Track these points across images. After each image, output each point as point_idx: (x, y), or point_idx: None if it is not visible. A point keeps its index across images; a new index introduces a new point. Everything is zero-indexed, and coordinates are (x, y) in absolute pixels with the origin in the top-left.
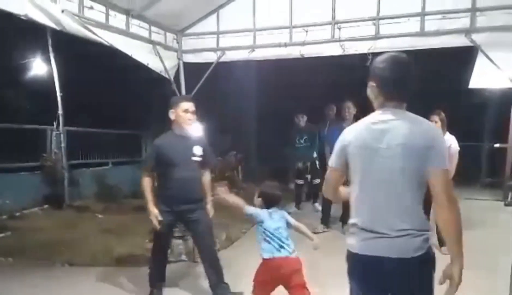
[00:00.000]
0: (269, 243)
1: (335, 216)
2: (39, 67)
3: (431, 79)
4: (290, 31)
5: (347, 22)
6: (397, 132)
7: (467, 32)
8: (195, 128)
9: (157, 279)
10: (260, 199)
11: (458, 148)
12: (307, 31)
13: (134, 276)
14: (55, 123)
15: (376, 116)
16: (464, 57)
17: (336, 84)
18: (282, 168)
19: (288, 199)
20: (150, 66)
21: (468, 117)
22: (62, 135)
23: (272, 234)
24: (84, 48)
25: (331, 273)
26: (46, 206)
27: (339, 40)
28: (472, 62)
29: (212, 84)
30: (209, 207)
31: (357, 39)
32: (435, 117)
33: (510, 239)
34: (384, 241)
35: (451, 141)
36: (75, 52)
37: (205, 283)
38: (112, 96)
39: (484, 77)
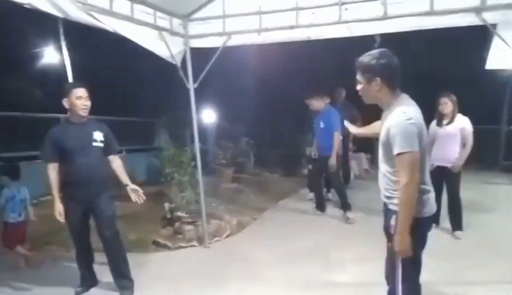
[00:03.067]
0: (14, 211)
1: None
2: (51, 56)
3: (446, 61)
4: (297, 13)
5: (354, 2)
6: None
7: (477, 10)
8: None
9: (86, 278)
10: (6, 176)
11: (472, 129)
12: (313, 13)
13: (143, 261)
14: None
15: (410, 101)
16: (480, 37)
17: (345, 67)
18: (294, 153)
19: (302, 185)
20: (156, 52)
21: (485, 99)
22: None
23: (17, 203)
24: (96, 36)
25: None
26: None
27: (346, 22)
28: (489, 42)
29: (219, 70)
30: (130, 189)
31: (365, 20)
32: (445, 99)
33: None
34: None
35: (464, 124)
36: (87, 40)
37: (216, 268)
38: (124, 84)
39: (501, 57)
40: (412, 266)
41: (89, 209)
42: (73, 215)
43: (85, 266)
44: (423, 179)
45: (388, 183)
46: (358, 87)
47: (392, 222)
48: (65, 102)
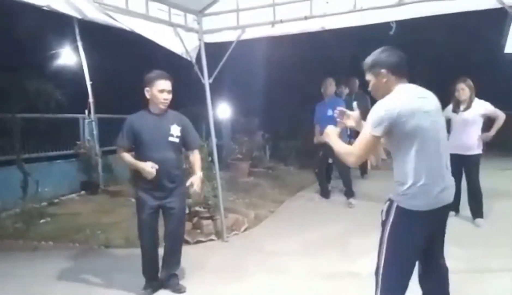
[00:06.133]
0: None
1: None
2: (68, 57)
3: (464, 46)
4: (310, 3)
5: None
6: (431, 99)
7: None
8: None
9: (151, 276)
10: None
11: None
12: (327, 2)
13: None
14: (86, 112)
15: (410, 88)
16: (499, 20)
17: (359, 56)
18: (309, 145)
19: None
20: (171, 49)
21: (504, 84)
22: (94, 123)
23: None
24: (110, 35)
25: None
26: (82, 192)
27: (361, 10)
28: (508, 25)
29: (232, 64)
30: (196, 179)
31: (380, 7)
32: (462, 85)
33: None
34: (446, 192)
35: (485, 106)
36: (102, 39)
37: (236, 261)
38: (138, 81)
39: None
40: (396, 261)
41: (160, 205)
42: (144, 209)
43: (150, 260)
44: (409, 170)
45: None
46: (369, 87)
47: (384, 208)
48: (146, 93)
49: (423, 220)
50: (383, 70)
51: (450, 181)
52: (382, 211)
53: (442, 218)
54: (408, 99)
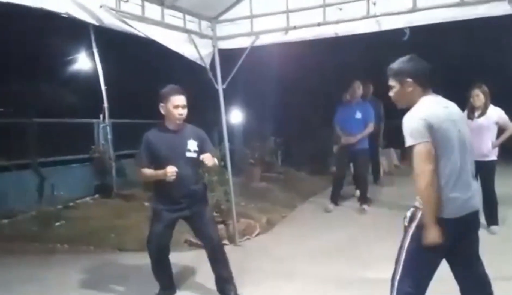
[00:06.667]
0: None
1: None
2: (83, 62)
3: (478, 51)
4: (324, 10)
5: None
6: (455, 108)
7: None
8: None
9: (164, 284)
10: None
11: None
12: (341, 9)
13: (176, 260)
14: (101, 116)
15: (435, 99)
16: None
17: (373, 62)
18: (321, 151)
19: (330, 183)
20: (185, 55)
21: None
22: (108, 127)
23: None
24: (125, 41)
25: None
26: (96, 196)
27: (375, 16)
28: None
29: (245, 69)
30: (206, 155)
31: (394, 14)
32: (477, 91)
33: None
34: (473, 199)
35: (499, 114)
36: (117, 46)
37: (249, 266)
38: (151, 87)
39: None
40: (415, 267)
41: (179, 216)
42: (159, 222)
43: (164, 272)
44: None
45: None
46: (391, 92)
47: (408, 213)
48: (162, 108)
49: (449, 227)
50: (409, 80)
51: (476, 188)
52: (405, 217)
53: (470, 225)
54: (436, 109)
